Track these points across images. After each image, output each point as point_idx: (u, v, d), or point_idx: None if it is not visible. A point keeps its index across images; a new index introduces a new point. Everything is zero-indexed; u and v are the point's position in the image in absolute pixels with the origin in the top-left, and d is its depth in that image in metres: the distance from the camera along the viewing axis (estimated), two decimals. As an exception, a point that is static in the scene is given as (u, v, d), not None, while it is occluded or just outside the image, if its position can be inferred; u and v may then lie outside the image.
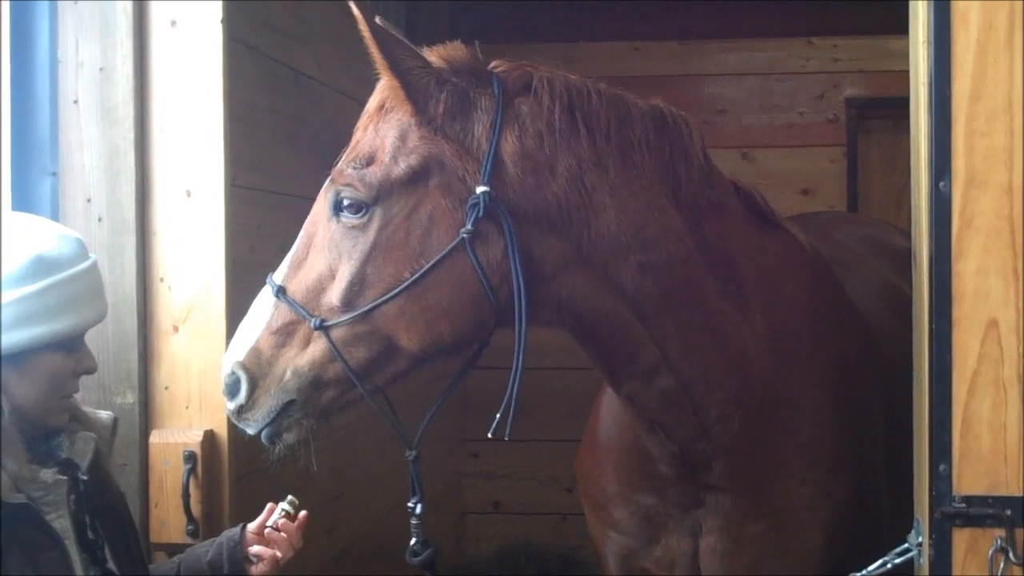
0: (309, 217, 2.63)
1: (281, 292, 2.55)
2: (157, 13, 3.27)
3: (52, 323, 2.34)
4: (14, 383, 2.35)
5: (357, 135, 2.60)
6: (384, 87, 2.56)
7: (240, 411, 2.55)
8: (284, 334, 2.53)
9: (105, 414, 2.69)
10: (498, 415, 2.47)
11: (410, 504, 2.64)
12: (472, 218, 2.45)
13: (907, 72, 2.62)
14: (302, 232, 2.63)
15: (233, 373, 2.55)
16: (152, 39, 3.27)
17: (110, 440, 2.67)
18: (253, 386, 2.52)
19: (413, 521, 2.64)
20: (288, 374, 2.52)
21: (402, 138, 2.51)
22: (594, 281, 2.59)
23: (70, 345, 2.41)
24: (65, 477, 2.41)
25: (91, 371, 2.49)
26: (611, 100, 2.62)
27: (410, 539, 2.65)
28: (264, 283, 2.63)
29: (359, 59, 4.40)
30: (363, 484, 4.54)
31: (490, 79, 2.55)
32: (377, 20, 2.47)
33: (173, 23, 3.27)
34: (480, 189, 2.46)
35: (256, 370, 2.53)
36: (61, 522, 2.38)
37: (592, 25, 6.09)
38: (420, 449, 2.64)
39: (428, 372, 2.63)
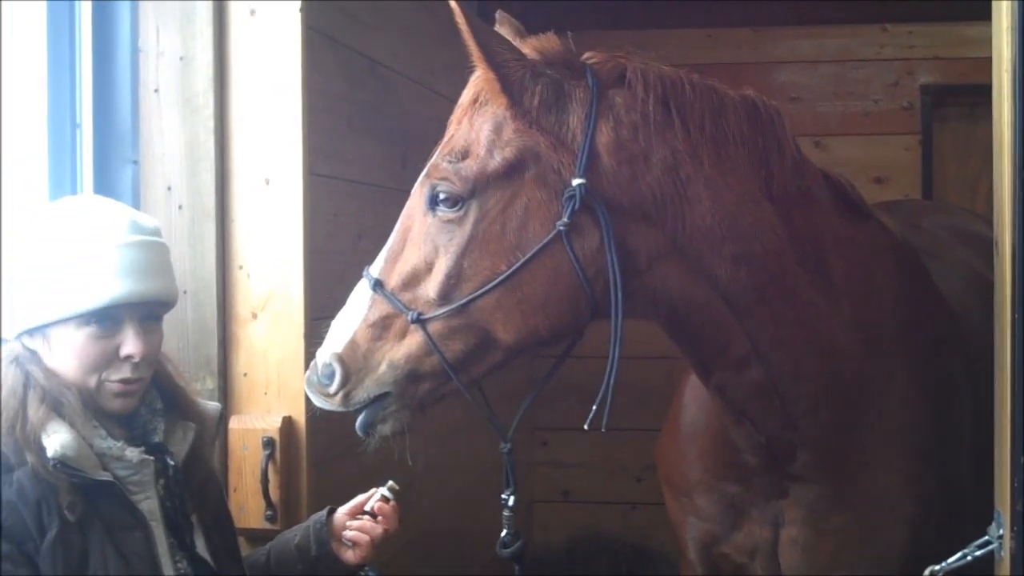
0: (404, 211, 2.62)
1: (378, 285, 2.55)
2: (236, 2, 3.29)
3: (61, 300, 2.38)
4: (46, 354, 2.40)
5: (451, 129, 2.59)
6: (478, 80, 2.54)
7: (331, 396, 2.55)
8: (381, 327, 2.53)
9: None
10: (594, 407, 2.48)
11: (504, 496, 2.64)
12: (568, 210, 2.44)
13: (983, 59, 2.56)
14: (398, 225, 2.62)
15: (330, 364, 2.54)
16: (231, 28, 3.29)
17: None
18: (347, 378, 2.52)
19: (505, 513, 2.65)
20: (384, 367, 2.52)
21: (497, 131, 2.50)
22: (688, 273, 2.57)
23: (102, 324, 2.40)
24: (151, 458, 2.43)
25: (133, 357, 2.41)
26: (704, 91, 2.59)
27: (500, 530, 2.65)
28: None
29: (434, 49, 4.44)
30: (432, 472, 4.55)
31: (584, 70, 2.53)
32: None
33: (252, 12, 3.28)
34: (576, 181, 2.44)
35: (352, 362, 2.52)
36: (148, 503, 2.40)
37: (663, 12, 6.03)
38: (513, 441, 2.65)
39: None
